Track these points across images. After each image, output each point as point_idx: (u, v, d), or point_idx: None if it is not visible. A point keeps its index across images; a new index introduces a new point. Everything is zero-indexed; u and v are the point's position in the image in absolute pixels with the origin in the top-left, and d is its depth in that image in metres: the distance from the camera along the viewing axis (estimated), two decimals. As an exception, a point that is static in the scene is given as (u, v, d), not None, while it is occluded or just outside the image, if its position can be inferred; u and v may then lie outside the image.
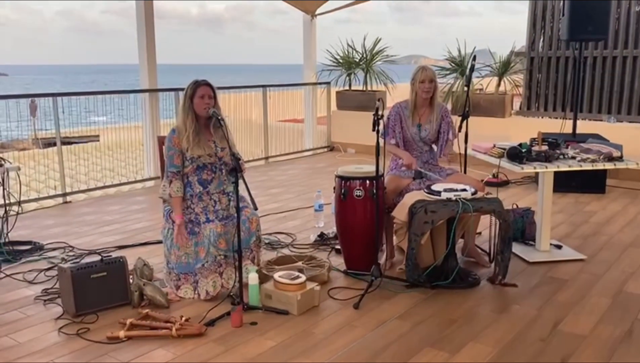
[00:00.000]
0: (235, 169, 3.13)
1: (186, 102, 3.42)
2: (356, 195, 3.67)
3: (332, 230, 4.49)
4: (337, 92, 8.63)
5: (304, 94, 8.66)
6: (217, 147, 3.44)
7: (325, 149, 8.77)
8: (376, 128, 3.46)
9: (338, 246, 4.11)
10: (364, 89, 8.48)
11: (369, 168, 3.80)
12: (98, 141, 7.21)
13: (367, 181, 3.68)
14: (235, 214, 3.34)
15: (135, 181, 6.44)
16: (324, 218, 4.90)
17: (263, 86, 7.93)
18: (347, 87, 8.55)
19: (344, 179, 3.72)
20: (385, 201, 3.78)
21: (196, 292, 3.30)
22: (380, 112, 3.45)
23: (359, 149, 8.39)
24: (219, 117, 3.29)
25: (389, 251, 3.87)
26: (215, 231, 3.26)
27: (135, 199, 5.88)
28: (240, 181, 3.17)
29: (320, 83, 8.68)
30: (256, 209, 3.05)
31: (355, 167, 3.87)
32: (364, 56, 8.38)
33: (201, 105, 3.40)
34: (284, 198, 5.90)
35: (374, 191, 3.60)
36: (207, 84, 3.44)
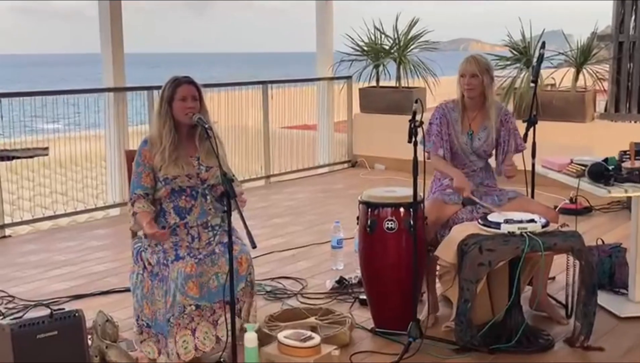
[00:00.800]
0: (227, 195, 3.14)
1: (163, 107, 3.44)
2: (387, 228, 3.67)
3: (355, 273, 4.49)
4: (361, 90, 8.70)
5: (317, 92, 8.74)
6: (201, 165, 3.44)
7: (346, 165, 8.84)
8: (414, 139, 3.46)
9: (363, 296, 4.09)
10: (397, 85, 8.56)
11: (403, 191, 3.82)
12: (46, 155, 7.31)
13: (402, 209, 3.69)
14: (216, 251, 3.35)
15: (95, 209, 6.51)
16: (344, 257, 4.91)
17: (263, 83, 8.02)
18: (373, 83, 8.64)
19: (371, 207, 3.74)
20: (426, 235, 3.77)
21: (166, 355, 3.29)
22: (418, 117, 3.46)
23: (390, 164, 8.44)
24: (206, 126, 3.31)
25: (431, 304, 3.85)
26: (184, 272, 3.23)
27: (96, 233, 5.93)
28: (234, 211, 3.18)
29: (338, 78, 8.77)
30: (254, 246, 3.04)
31: (385, 190, 3.88)
32: (396, 41, 8.46)
33: (182, 110, 3.41)
34: (290, 230, 5.91)
35: (411, 222, 3.59)
36: (191, 82, 3.47)
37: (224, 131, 7.40)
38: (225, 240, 3.40)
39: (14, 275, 4.79)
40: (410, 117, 3.49)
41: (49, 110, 6.22)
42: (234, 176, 3.63)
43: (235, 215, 3.16)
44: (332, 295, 4.29)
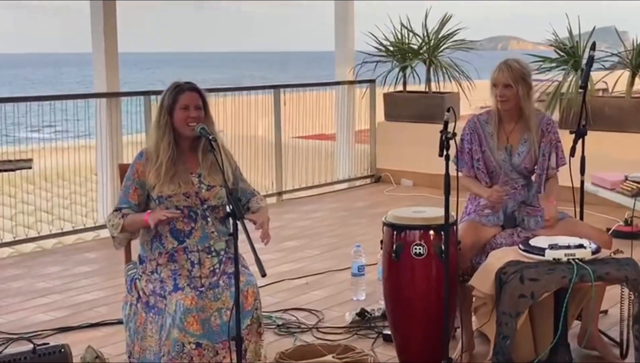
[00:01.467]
0: (233, 215, 3.16)
1: (162, 116, 3.47)
2: (415, 253, 3.68)
3: (378, 305, 4.50)
4: (386, 95, 8.77)
5: (336, 98, 8.82)
6: (202, 183, 3.47)
7: (368, 181, 8.89)
8: (445, 152, 3.47)
9: (387, 331, 4.10)
10: (426, 90, 8.62)
11: (434, 212, 3.83)
12: (30, 168, 7.39)
13: (432, 232, 3.70)
14: (219, 283, 3.35)
15: (85, 230, 6.57)
16: (366, 286, 4.92)
17: (274, 87, 8.09)
18: (400, 88, 8.70)
19: (396, 229, 3.75)
20: (460, 262, 3.78)
21: None
22: (450, 128, 3.48)
23: (419, 180, 8.48)
24: (210, 137, 3.34)
25: (465, 340, 3.85)
26: (183, 305, 3.25)
27: (85, 256, 5.98)
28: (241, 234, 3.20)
29: (360, 82, 8.84)
30: (263, 275, 3.05)
31: (413, 210, 3.90)
32: (426, 40, 8.52)
33: (184, 120, 3.43)
34: (305, 255, 5.93)
35: (443, 246, 3.60)
36: (194, 89, 3.50)
37: (230, 141, 7.46)
38: (231, 269, 3.43)
39: (-7, 304, 4.84)
40: (441, 127, 3.50)
41: (33, 117, 6.31)
42: (254, 191, 3.67)
43: (241, 237, 3.17)
44: (352, 330, 4.31)
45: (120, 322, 4.13)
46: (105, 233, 6.62)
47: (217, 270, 3.45)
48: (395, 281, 3.74)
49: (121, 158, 6.60)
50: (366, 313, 4.44)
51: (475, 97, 8.54)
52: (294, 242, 6.33)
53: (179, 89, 3.49)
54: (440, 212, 3.67)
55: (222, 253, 3.50)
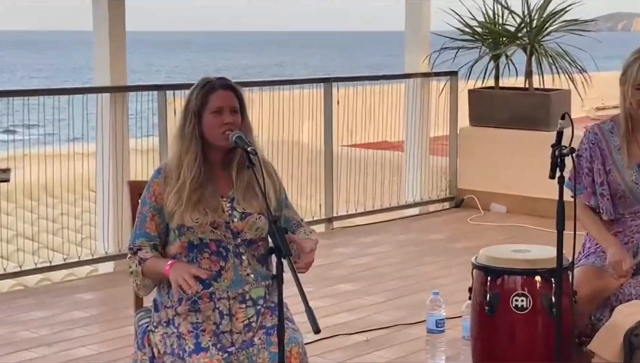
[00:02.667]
0: (278, 251, 3.19)
1: (188, 122, 3.51)
2: (516, 306, 3.69)
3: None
4: (472, 92, 8.79)
5: (406, 95, 8.85)
6: (235, 210, 3.52)
7: (446, 205, 8.90)
8: (559, 174, 3.48)
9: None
10: (526, 85, 8.59)
11: (540, 251, 3.87)
12: (7, 181, 7.52)
13: (539, 279, 3.72)
14: (255, 341, 3.39)
15: (79, 263, 6.66)
16: (446, 347, 4.88)
17: (325, 80, 8.10)
18: (491, 82, 8.70)
19: (492, 274, 3.78)
20: (576, 319, 3.79)
21: None
22: (565, 140, 3.50)
23: (514, 205, 8.46)
24: (249, 149, 3.38)
25: None
26: None
27: (79, 298, 6.06)
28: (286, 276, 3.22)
29: (438, 74, 8.86)
30: (317, 331, 3.07)
31: (513, 249, 3.94)
32: (527, 20, 8.50)
33: (217, 126, 3.48)
34: (364, 303, 5.91)
35: (553, 298, 3.59)
36: (229, 87, 3.55)
37: (264, 149, 7.50)
38: (271, 323, 3.46)
39: (-38, 357, 4.93)
40: (548, 136, 3.50)
41: (11, 114, 6.41)
42: (301, 220, 3.69)
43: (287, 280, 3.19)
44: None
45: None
46: (105, 268, 6.76)
47: (253, 324, 3.47)
48: (489, 342, 3.81)
49: (127, 170, 6.71)
50: (447, 382, 4.44)
51: (591, 95, 8.49)
52: (350, 285, 6.33)
53: (209, 87, 3.53)
54: (549, 252, 3.72)
55: (261, 302, 3.52)
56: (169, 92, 6.83)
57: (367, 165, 8.66)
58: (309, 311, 3.06)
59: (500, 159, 8.51)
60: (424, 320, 5.23)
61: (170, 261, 3.43)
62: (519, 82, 8.74)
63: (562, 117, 3.55)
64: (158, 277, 3.49)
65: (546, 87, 8.51)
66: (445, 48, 8.60)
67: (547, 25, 8.46)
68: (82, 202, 7.17)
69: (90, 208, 7.13)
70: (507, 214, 8.43)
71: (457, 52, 8.63)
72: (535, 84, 8.52)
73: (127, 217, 6.64)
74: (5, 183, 7.51)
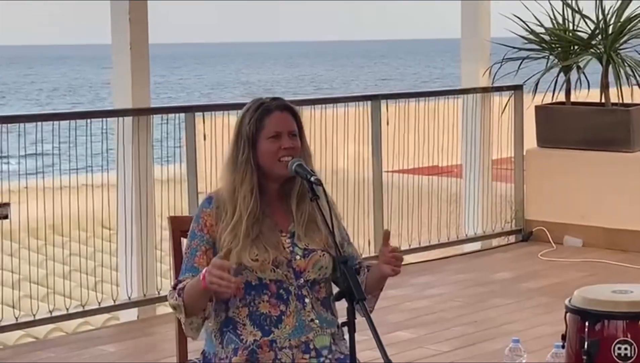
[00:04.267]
0: (349, 294, 3.21)
1: (242, 151, 3.55)
2: (619, 355, 3.71)
3: None
4: (540, 108, 8.84)
5: (463, 112, 8.91)
6: (297, 246, 3.57)
7: (512, 238, 8.94)
8: None
9: None
10: (602, 100, 8.63)
11: (645, 292, 3.85)
12: (5, 217, 7.63)
13: None
14: None
15: (99, 310, 6.71)
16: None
17: (372, 97, 8.18)
18: (561, 97, 8.77)
19: (590, 318, 3.78)
20: None
21: None
22: None
23: (592, 238, 8.48)
24: (312, 179, 3.41)
25: None
26: None
27: (100, 351, 6.11)
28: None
29: (499, 88, 8.93)
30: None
31: (612, 289, 3.94)
32: (602, 26, 8.55)
33: (275, 153, 3.53)
34: (426, 353, 5.93)
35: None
36: (286, 107, 3.61)
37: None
38: None
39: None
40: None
41: (18, 142, 6.46)
42: (362, 259, 3.73)
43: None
44: None
45: None
46: (128, 315, 6.79)
47: None
48: None
49: (152, 204, 6.77)
50: None
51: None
52: (408, 333, 6.34)
53: (264, 109, 3.58)
54: None
55: (325, 352, 3.55)
56: (198, 115, 6.93)
57: (420, 194, 8.70)
58: (386, 358, 3.11)
59: (574, 185, 8.55)
60: (500, 373, 5.29)
61: (202, 276, 3.34)
62: (593, 96, 8.78)
63: None
64: (200, 298, 3.42)
65: (625, 101, 8.54)
66: (508, 59, 8.68)
67: (625, 31, 8.49)
68: (102, 244, 7.22)
69: (105, 247, 7.18)
70: (584, 249, 8.45)
71: (521, 63, 8.71)
72: (613, 99, 8.54)
73: (149, 256, 6.76)
74: (2, 221, 7.64)
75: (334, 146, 8.19)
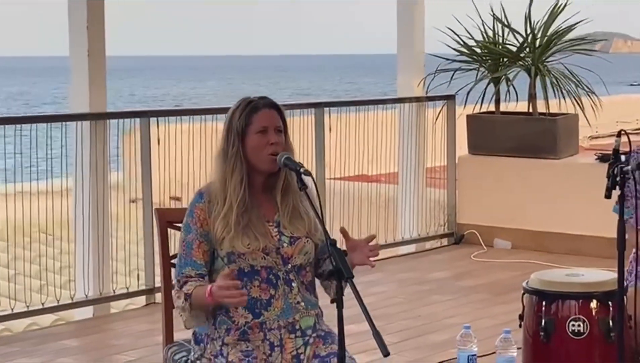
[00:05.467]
0: (339, 273, 3.49)
1: (231, 144, 3.77)
2: (573, 332, 3.99)
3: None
4: (471, 118, 9.12)
5: (399, 121, 9.14)
6: (283, 235, 3.81)
7: (445, 241, 9.18)
8: (620, 191, 3.76)
9: None
10: (530, 110, 8.94)
11: (593, 275, 4.19)
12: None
13: (595, 302, 4.02)
14: None
15: (58, 308, 6.89)
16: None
17: (316, 105, 8.39)
18: (491, 107, 9.06)
19: (547, 298, 4.07)
20: (633, 342, 4.06)
21: None
22: (624, 159, 3.79)
23: (520, 240, 8.78)
24: (301, 170, 3.68)
25: None
26: None
27: (64, 345, 6.30)
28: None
29: (431, 98, 9.19)
30: (386, 354, 3.36)
31: (566, 273, 4.25)
32: (530, 40, 8.86)
33: (263, 148, 3.76)
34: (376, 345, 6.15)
35: (610, 322, 3.92)
36: (273, 105, 3.85)
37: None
38: (325, 351, 3.77)
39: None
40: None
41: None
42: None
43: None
44: None
45: None
46: (83, 313, 6.96)
47: (301, 356, 3.75)
48: None
49: (108, 206, 6.95)
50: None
51: (603, 122, 8.83)
52: (358, 326, 6.50)
53: (252, 106, 3.81)
54: (603, 275, 4.05)
55: (309, 332, 3.81)
56: (153, 119, 7.11)
57: (360, 199, 8.88)
58: (377, 335, 3.36)
59: (504, 190, 8.79)
60: (447, 360, 5.60)
61: (207, 292, 3.58)
62: (521, 107, 9.07)
63: (618, 135, 3.85)
64: (207, 307, 3.69)
65: (551, 111, 8.80)
66: (441, 70, 8.96)
67: (551, 45, 8.78)
68: (55, 242, 7.39)
69: (67, 248, 7.35)
70: (513, 250, 8.71)
71: (453, 75, 8.96)
72: (540, 109, 8.81)
73: (103, 257, 6.94)
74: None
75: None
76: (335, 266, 3.51)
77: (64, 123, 6.90)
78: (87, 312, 6.97)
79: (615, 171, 3.81)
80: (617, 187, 3.82)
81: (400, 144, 9.13)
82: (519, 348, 4.89)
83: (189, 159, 7.57)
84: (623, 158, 3.90)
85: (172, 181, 7.81)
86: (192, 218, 3.79)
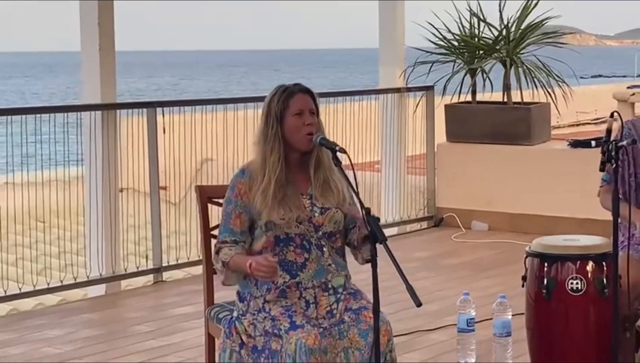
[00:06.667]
0: (374, 237, 3.97)
1: (270, 126, 4.19)
2: (572, 289, 4.48)
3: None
4: (449, 107, 9.52)
5: (381, 111, 9.55)
6: (315, 206, 4.24)
7: (425, 224, 9.60)
8: (614, 164, 4.24)
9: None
10: (504, 99, 9.40)
11: (589, 240, 4.65)
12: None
13: (591, 263, 4.50)
14: (345, 319, 4.14)
15: (75, 285, 7.32)
16: (476, 347, 5.66)
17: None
18: (468, 97, 9.49)
19: (548, 260, 4.54)
20: (621, 304, 4.45)
21: None
22: (617, 136, 4.27)
23: (497, 222, 9.22)
24: (336, 148, 4.12)
25: None
26: (305, 345, 3.99)
27: (87, 317, 6.77)
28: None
29: (410, 89, 9.60)
30: (419, 304, 3.85)
31: (564, 238, 4.73)
32: (505, 34, 9.32)
33: (300, 129, 4.18)
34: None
35: (604, 280, 4.42)
36: (306, 90, 4.29)
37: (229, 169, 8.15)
38: (356, 305, 4.23)
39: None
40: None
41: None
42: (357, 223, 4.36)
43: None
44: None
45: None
46: (96, 291, 7.39)
47: (334, 311, 4.21)
48: (546, 325, 4.54)
49: (118, 190, 7.37)
50: (487, 375, 5.23)
51: (574, 109, 9.30)
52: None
53: (288, 92, 4.25)
54: (597, 240, 4.53)
55: (341, 290, 4.27)
56: (159, 110, 7.52)
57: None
58: (410, 288, 3.86)
59: (480, 175, 9.21)
60: (443, 326, 6.11)
61: (248, 264, 4.04)
62: (496, 97, 9.50)
63: (611, 116, 4.35)
64: (242, 272, 4.17)
65: (525, 100, 9.23)
66: (420, 62, 9.34)
67: (525, 38, 9.22)
68: (71, 227, 7.80)
69: (78, 231, 7.75)
70: (490, 232, 9.13)
71: (431, 67, 9.36)
72: (515, 99, 9.23)
73: (115, 240, 7.37)
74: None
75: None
76: (371, 231, 3.96)
77: (78, 113, 7.30)
78: (98, 290, 7.39)
79: (610, 147, 4.28)
80: (614, 161, 4.24)
81: (382, 133, 9.51)
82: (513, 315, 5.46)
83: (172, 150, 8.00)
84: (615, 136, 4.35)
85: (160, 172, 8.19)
86: (234, 191, 4.23)
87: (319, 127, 4.28)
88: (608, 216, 4.38)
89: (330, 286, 4.26)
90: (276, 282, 4.19)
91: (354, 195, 4.24)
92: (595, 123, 17.65)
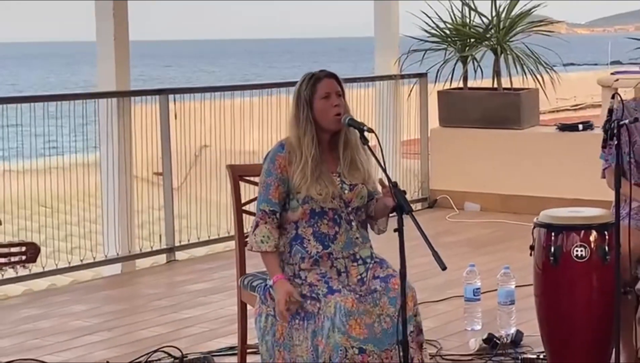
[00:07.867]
0: (401, 208, 4.34)
1: (302, 109, 4.50)
2: (577, 256, 4.83)
3: (505, 331, 5.70)
4: (442, 93, 9.86)
5: (376, 98, 9.87)
6: (344, 183, 4.57)
7: (419, 205, 9.94)
8: (616, 141, 4.59)
9: (529, 354, 5.30)
10: (494, 85, 9.75)
11: (592, 211, 5.00)
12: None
13: (595, 232, 4.85)
14: (377, 288, 4.48)
15: (93, 264, 7.66)
16: (481, 315, 6.06)
17: (293, 84, 9.02)
18: (460, 84, 9.83)
19: (554, 230, 4.89)
20: (622, 269, 4.75)
21: None
22: (618, 116, 4.63)
23: (488, 203, 9.57)
24: (364, 128, 4.51)
25: (626, 355, 4.91)
26: (344, 307, 4.30)
27: (107, 294, 7.10)
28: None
29: (407, 76, 9.93)
30: (444, 268, 4.21)
31: (569, 210, 5.11)
32: (495, 22, 9.67)
33: (329, 111, 4.50)
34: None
35: (606, 248, 4.78)
36: (332, 75, 4.62)
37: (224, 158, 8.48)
38: (384, 273, 4.59)
39: (34, 343, 5.92)
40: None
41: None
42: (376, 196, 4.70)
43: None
44: (484, 357, 5.46)
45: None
46: (111, 270, 7.72)
47: (364, 279, 4.55)
48: (555, 289, 4.89)
49: (131, 172, 7.72)
50: (494, 339, 5.56)
51: (562, 94, 9.65)
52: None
53: (315, 77, 4.59)
54: (600, 212, 4.89)
55: (368, 260, 4.63)
56: (170, 96, 7.88)
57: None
58: (435, 254, 4.24)
59: (472, 158, 9.54)
60: (447, 298, 6.49)
61: (274, 281, 4.42)
62: (486, 83, 9.83)
63: (613, 97, 4.71)
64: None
65: (514, 86, 9.57)
66: (413, 50, 9.67)
67: (514, 26, 9.56)
68: (84, 209, 8.10)
69: (92, 214, 8.05)
70: (482, 212, 9.48)
71: (424, 55, 9.67)
72: (505, 85, 9.58)
73: (129, 220, 7.71)
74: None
75: (260, 128, 8.96)
76: (397, 203, 4.32)
77: (95, 100, 7.62)
78: (114, 269, 7.71)
79: (612, 125, 4.63)
80: (616, 138, 4.56)
81: (377, 118, 9.82)
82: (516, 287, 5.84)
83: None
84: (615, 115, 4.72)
85: (153, 158, 8.55)
86: (274, 164, 4.53)
87: (346, 108, 4.60)
88: (595, 196, 4.72)
89: (358, 256, 4.61)
90: (310, 252, 4.51)
91: (380, 171, 4.51)
92: (575, 110, 18.10)
